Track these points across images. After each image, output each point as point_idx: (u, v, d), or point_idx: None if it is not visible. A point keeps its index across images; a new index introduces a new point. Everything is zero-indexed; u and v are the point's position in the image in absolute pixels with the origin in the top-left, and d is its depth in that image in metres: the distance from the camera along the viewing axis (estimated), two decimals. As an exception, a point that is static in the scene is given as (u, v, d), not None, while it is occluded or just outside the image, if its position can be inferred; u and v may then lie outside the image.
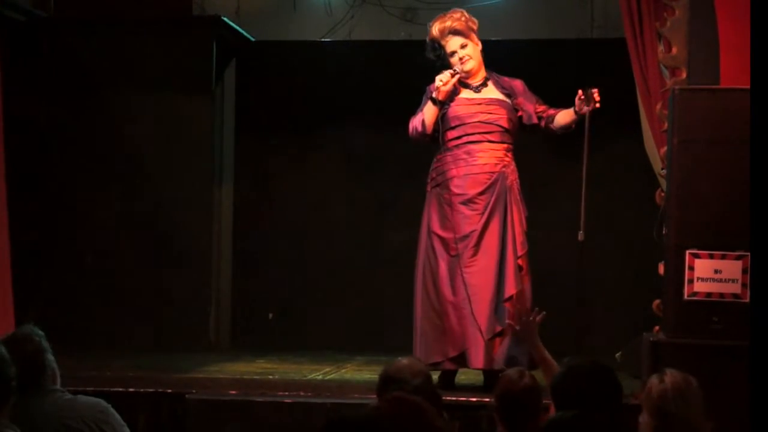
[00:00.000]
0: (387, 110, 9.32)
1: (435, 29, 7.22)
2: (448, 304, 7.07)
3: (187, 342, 9.48)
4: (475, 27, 7.26)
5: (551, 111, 7.23)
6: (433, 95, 7.14)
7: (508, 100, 7.24)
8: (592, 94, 6.94)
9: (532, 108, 7.25)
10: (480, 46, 7.28)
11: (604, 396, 4.11)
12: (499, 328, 6.97)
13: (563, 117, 7.18)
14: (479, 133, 7.16)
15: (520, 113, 7.25)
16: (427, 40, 7.29)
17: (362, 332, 9.86)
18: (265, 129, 10.30)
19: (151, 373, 7.72)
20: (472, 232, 7.07)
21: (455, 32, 7.19)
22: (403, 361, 4.57)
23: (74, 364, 7.26)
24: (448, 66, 7.22)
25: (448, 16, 7.24)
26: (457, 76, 7.17)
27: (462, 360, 7.05)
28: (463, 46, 7.20)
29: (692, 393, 4.22)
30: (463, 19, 7.22)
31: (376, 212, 10.09)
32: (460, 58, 7.19)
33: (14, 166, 8.19)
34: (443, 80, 7.11)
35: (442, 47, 7.23)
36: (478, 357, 6.97)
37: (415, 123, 7.26)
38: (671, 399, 4.16)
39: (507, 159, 7.19)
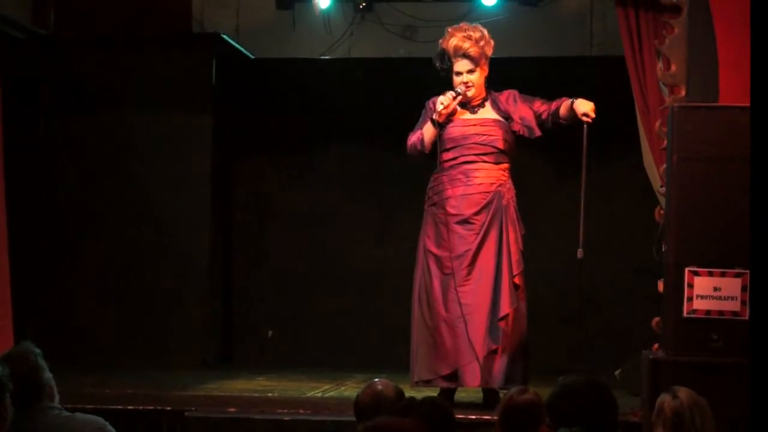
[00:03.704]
0: (386, 127, 9.32)
1: (450, 44, 7.16)
2: (441, 322, 7.07)
3: (186, 359, 9.47)
4: (489, 52, 7.21)
5: (552, 106, 7.20)
6: (434, 117, 7.13)
7: (504, 121, 7.24)
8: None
9: (533, 119, 7.22)
10: (486, 72, 7.27)
11: (600, 413, 4.11)
12: (494, 347, 6.97)
13: (565, 112, 7.17)
14: (474, 154, 7.16)
15: (520, 132, 7.24)
16: (440, 48, 7.24)
17: (361, 349, 9.85)
18: (265, 146, 10.31)
19: (150, 391, 7.71)
20: (467, 251, 7.07)
21: (468, 57, 7.17)
22: (377, 386, 4.63)
23: (73, 381, 7.25)
24: (449, 78, 7.22)
25: (468, 35, 7.17)
26: (459, 99, 7.16)
27: (455, 378, 7.05)
28: (470, 71, 7.18)
29: (705, 409, 4.25)
30: (481, 43, 7.16)
31: (376, 229, 10.09)
32: (465, 83, 7.18)
33: (14, 183, 8.19)
34: (444, 103, 7.09)
35: (450, 63, 7.21)
36: (473, 375, 6.98)
37: (414, 140, 7.26)
38: (688, 414, 4.18)
39: (503, 179, 7.19)
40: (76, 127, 9.83)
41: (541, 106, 7.22)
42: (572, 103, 7.11)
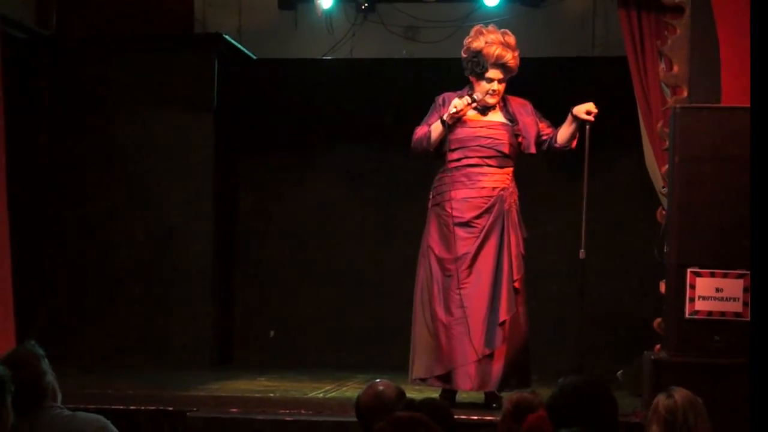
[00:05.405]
0: (388, 128, 9.34)
1: (493, 51, 7.07)
2: (439, 323, 7.07)
3: (188, 360, 9.47)
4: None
5: (553, 132, 7.20)
6: (444, 117, 7.10)
7: (510, 125, 7.21)
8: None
9: (533, 134, 7.18)
10: None
11: (601, 414, 4.11)
12: (488, 351, 6.96)
13: (563, 132, 7.16)
14: (479, 156, 7.13)
15: (520, 139, 7.22)
16: (476, 50, 7.11)
17: (363, 350, 9.85)
18: (266, 146, 10.31)
19: (152, 391, 7.71)
20: (467, 254, 7.05)
21: (506, 68, 7.15)
22: (379, 387, 4.63)
23: (75, 381, 7.27)
24: (469, 80, 7.21)
25: (506, 42, 7.11)
26: (473, 106, 7.13)
27: (449, 379, 7.04)
28: (501, 80, 7.17)
29: (700, 409, 4.25)
30: (516, 53, 7.14)
31: (378, 229, 10.09)
32: (493, 90, 7.16)
33: (15, 183, 8.19)
34: (458, 107, 7.06)
35: (485, 69, 7.14)
36: (465, 378, 6.97)
37: (420, 135, 7.20)
38: (681, 413, 4.19)
39: (506, 182, 7.16)
40: (78, 126, 9.83)
41: (545, 128, 7.22)
42: (570, 112, 7.08)
